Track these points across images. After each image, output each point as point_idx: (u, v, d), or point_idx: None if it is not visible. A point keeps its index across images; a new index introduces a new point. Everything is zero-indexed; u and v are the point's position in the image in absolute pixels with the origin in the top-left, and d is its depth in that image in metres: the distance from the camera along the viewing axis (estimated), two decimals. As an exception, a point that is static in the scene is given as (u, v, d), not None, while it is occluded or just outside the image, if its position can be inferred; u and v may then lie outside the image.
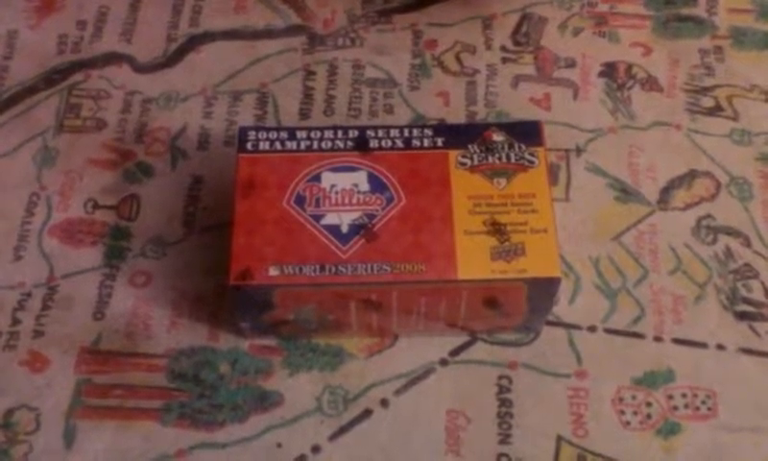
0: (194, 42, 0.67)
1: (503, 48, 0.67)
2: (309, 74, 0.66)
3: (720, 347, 0.55)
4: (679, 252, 0.58)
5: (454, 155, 0.52)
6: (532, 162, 0.52)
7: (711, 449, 0.52)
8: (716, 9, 0.68)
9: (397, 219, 0.50)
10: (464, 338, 0.55)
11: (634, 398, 0.53)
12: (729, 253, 0.58)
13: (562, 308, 0.56)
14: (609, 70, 0.66)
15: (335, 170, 0.52)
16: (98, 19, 0.68)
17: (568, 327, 0.55)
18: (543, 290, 0.50)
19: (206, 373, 0.54)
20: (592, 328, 0.55)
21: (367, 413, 0.53)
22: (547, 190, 0.51)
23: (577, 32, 0.67)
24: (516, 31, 0.68)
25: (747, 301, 0.56)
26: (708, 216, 0.59)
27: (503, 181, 0.51)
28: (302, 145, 0.53)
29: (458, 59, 0.66)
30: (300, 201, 0.51)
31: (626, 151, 0.62)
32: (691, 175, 0.61)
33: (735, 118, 0.63)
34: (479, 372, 0.54)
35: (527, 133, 0.53)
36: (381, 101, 0.64)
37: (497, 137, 0.53)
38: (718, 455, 0.51)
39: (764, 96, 0.64)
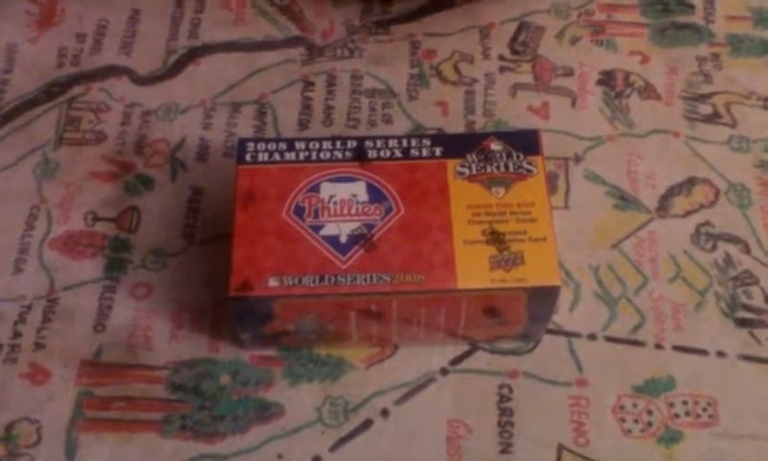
0: (193, 54, 0.67)
1: (501, 57, 0.67)
2: (308, 85, 0.66)
3: (721, 354, 0.55)
4: (678, 259, 0.58)
5: (453, 164, 0.52)
6: (530, 171, 0.52)
7: (713, 457, 0.51)
8: (713, 16, 0.69)
9: (396, 229, 0.50)
10: (464, 347, 0.55)
11: (635, 405, 0.53)
12: (728, 259, 0.58)
13: (562, 316, 0.56)
14: (607, 78, 0.66)
15: (334, 180, 0.52)
16: (97, 32, 0.69)
17: (569, 335, 0.55)
18: (543, 298, 0.50)
19: (207, 384, 0.54)
20: (593, 336, 0.55)
21: (367, 423, 0.53)
22: (546, 199, 0.51)
23: (575, 40, 0.68)
24: (514, 40, 0.68)
25: (747, 307, 0.56)
26: (708, 223, 0.59)
27: (501, 191, 0.51)
28: (301, 156, 0.53)
29: (456, 68, 0.66)
30: (300, 212, 0.51)
31: (625, 159, 0.62)
32: (690, 182, 0.61)
33: (734, 125, 0.63)
34: (480, 381, 0.54)
35: (525, 141, 0.53)
36: (380, 111, 0.64)
37: (496, 146, 0.53)
38: (720, 463, 0.51)
39: (762, 103, 0.64)
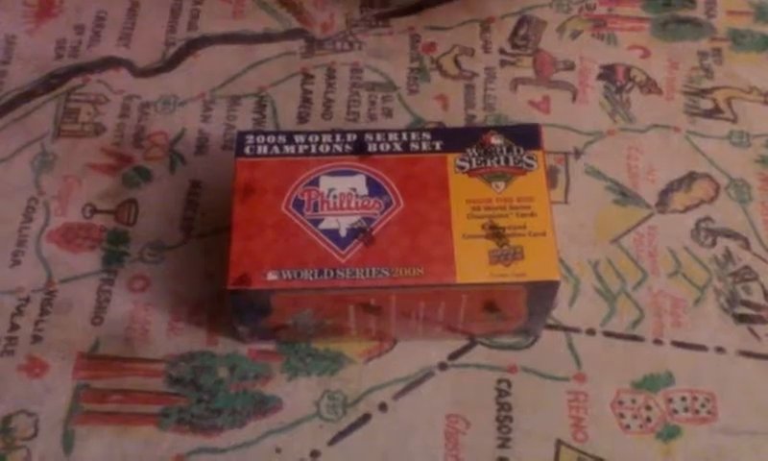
0: (192, 46, 0.67)
1: (501, 51, 0.67)
2: (307, 78, 0.66)
3: (720, 350, 0.55)
4: (678, 254, 0.58)
5: (453, 158, 0.52)
6: (530, 165, 0.52)
7: (711, 453, 0.51)
8: (715, 11, 0.69)
9: (396, 223, 0.50)
10: (463, 342, 0.55)
11: (633, 401, 0.53)
12: (728, 255, 0.58)
13: (561, 312, 0.56)
14: (607, 73, 0.66)
15: (333, 174, 0.52)
16: (96, 24, 0.68)
17: (568, 330, 0.55)
18: (542, 293, 0.50)
19: (205, 377, 0.54)
20: (591, 332, 0.55)
21: (366, 418, 0.53)
22: (546, 193, 0.51)
23: (575, 34, 0.67)
24: (515, 34, 0.68)
25: (746, 303, 0.56)
26: (708, 218, 0.59)
27: (501, 185, 0.51)
28: (301, 149, 0.52)
29: (456, 62, 0.66)
30: (299, 205, 0.50)
31: (625, 153, 0.62)
32: (690, 177, 0.61)
33: (734, 120, 0.63)
34: (478, 375, 0.54)
35: (526, 136, 0.53)
36: (380, 104, 0.64)
37: (496, 141, 0.53)
38: (718, 459, 0.51)
39: (763, 98, 0.64)
